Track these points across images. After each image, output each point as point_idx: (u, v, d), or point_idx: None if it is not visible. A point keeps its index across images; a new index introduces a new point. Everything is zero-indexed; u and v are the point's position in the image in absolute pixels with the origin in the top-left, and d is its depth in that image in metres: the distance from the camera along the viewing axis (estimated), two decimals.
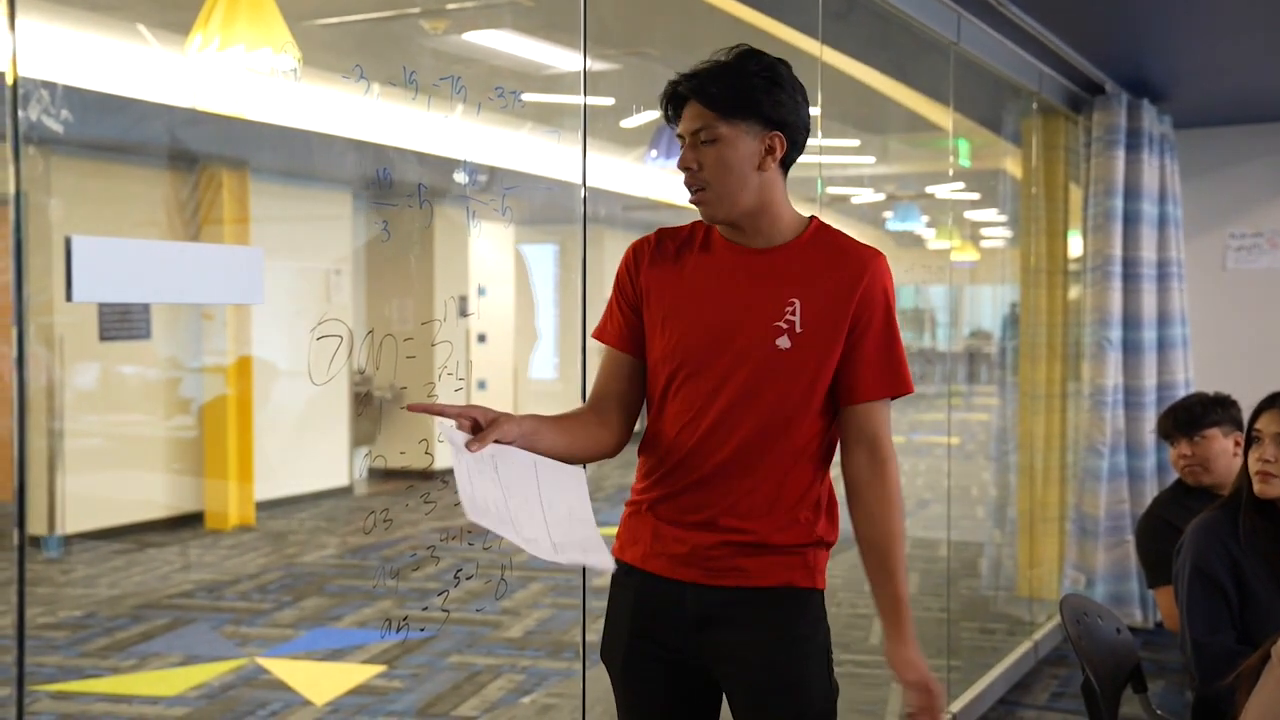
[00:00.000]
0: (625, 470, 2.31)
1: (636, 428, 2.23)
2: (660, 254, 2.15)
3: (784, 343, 2.03)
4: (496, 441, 1.93)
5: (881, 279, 2.07)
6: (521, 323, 12.32)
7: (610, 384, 2.18)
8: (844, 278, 2.05)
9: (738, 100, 2.02)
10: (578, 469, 2.09)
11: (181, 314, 8.39)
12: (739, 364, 2.04)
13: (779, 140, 2.05)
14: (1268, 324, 6.79)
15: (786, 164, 2.11)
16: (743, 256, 2.09)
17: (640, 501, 2.16)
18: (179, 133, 7.50)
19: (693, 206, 2.10)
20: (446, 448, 1.91)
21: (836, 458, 2.17)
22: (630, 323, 2.16)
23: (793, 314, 2.04)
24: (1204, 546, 2.87)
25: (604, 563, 1.98)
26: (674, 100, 2.09)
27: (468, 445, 1.89)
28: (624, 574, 2.18)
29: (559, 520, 1.98)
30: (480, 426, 1.93)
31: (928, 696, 2.05)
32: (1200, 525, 2.92)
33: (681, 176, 2.09)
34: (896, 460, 2.10)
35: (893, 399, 2.11)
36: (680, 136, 2.08)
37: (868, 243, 2.13)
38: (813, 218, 2.13)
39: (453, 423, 1.92)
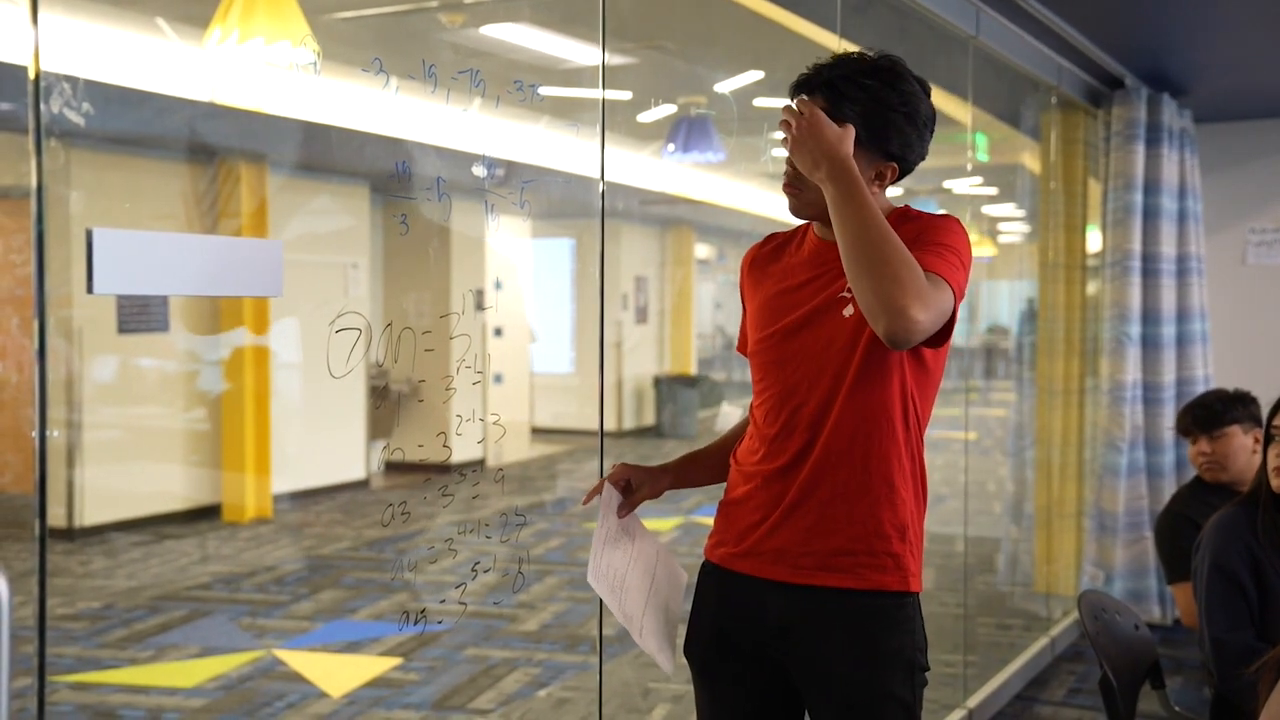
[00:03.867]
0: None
1: None
2: (762, 255, 2.18)
3: (849, 310, 1.99)
4: (649, 497, 2.18)
5: (930, 223, 1.98)
6: (538, 317, 12.33)
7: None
8: (904, 236, 1.93)
9: (868, 131, 1.98)
10: (681, 574, 2.28)
11: (200, 306, 8.43)
12: (813, 343, 2.03)
13: (892, 170, 2.03)
14: None
15: (890, 183, 2.07)
16: (827, 249, 2.06)
17: (730, 498, 2.16)
18: (198, 126, 7.53)
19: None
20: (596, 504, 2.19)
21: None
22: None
23: None
24: (1223, 543, 2.86)
25: (665, 666, 2.21)
26: (806, 90, 2.03)
27: (619, 511, 2.14)
28: (708, 571, 2.18)
29: (655, 609, 2.20)
30: (631, 488, 2.18)
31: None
32: (1219, 522, 2.91)
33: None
34: (923, 289, 1.82)
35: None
36: (784, 123, 2.02)
37: None
38: (904, 206, 2.08)
39: (611, 488, 2.14)
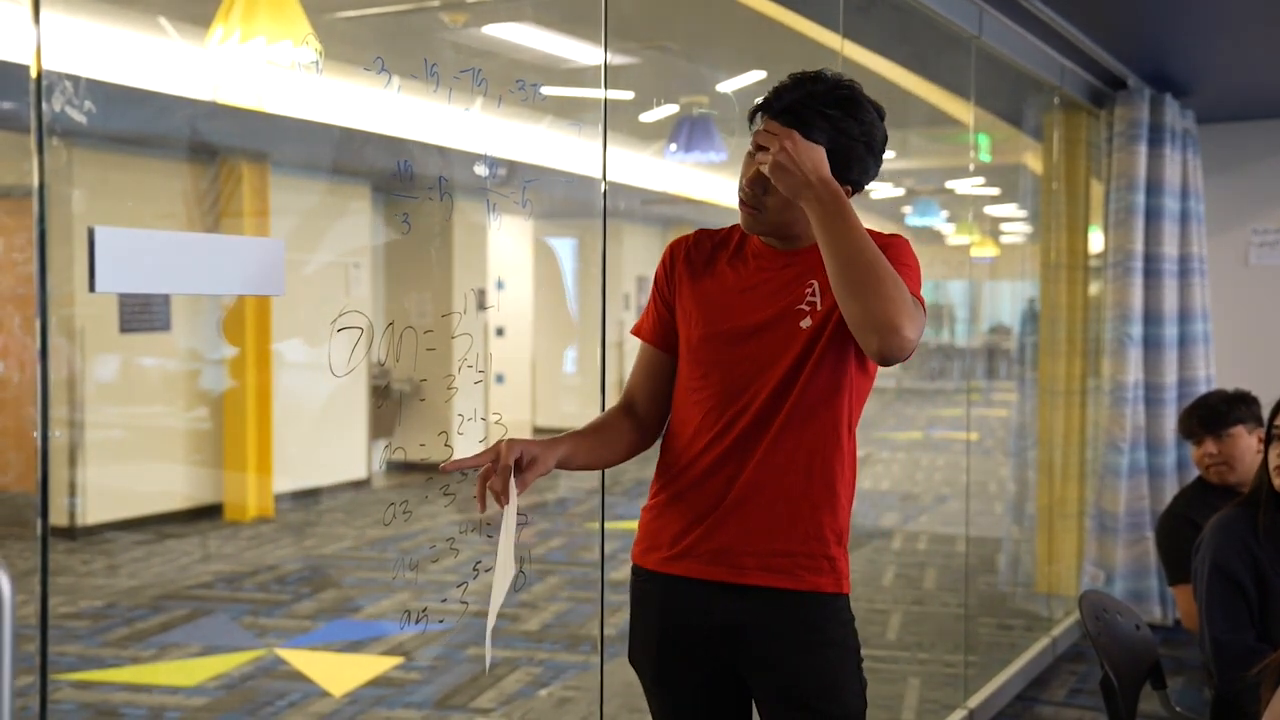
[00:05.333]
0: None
1: None
2: (696, 253, 2.18)
3: (806, 323, 2.03)
4: (541, 474, 2.03)
5: (893, 242, 2.02)
6: (540, 316, 12.33)
7: (643, 380, 2.23)
8: None
9: (830, 161, 1.98)
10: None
11: (201, 306, 8.43)
12: (765, 351, 2.04)
13: (847, 192, 2.05)
14: None
15: None
16: (773, 257, 2.10)
17: (659, 501, 2.15)
18: (200, 125, 7.53)
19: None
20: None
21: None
22: (664, 319, 2.19)
23: (813, 295, 2.04)
24: (1223, 544, 2.86)
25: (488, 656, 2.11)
26: (770, 114, 2.04)
27: (517, 484, 1.98)
28: (645, 580, 2.18)
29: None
30: (521, 465, 2.02)
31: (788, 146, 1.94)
32: (1220, 523, 2.91)
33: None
34: (910, 308, 1.88)
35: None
36: (758, 146, 2.03)
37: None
38: None
39: (513, 498, 1.99)
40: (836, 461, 2.07)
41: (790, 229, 2.07)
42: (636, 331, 2.24)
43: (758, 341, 2.06)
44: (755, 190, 2.05)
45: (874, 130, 2.05)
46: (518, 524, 2.04)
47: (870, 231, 2.04)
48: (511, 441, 2.01)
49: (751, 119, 2.08)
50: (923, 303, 1.98)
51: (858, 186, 2.08)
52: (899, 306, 1.84)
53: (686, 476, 2.11)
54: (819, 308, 2.03)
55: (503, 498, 1.98)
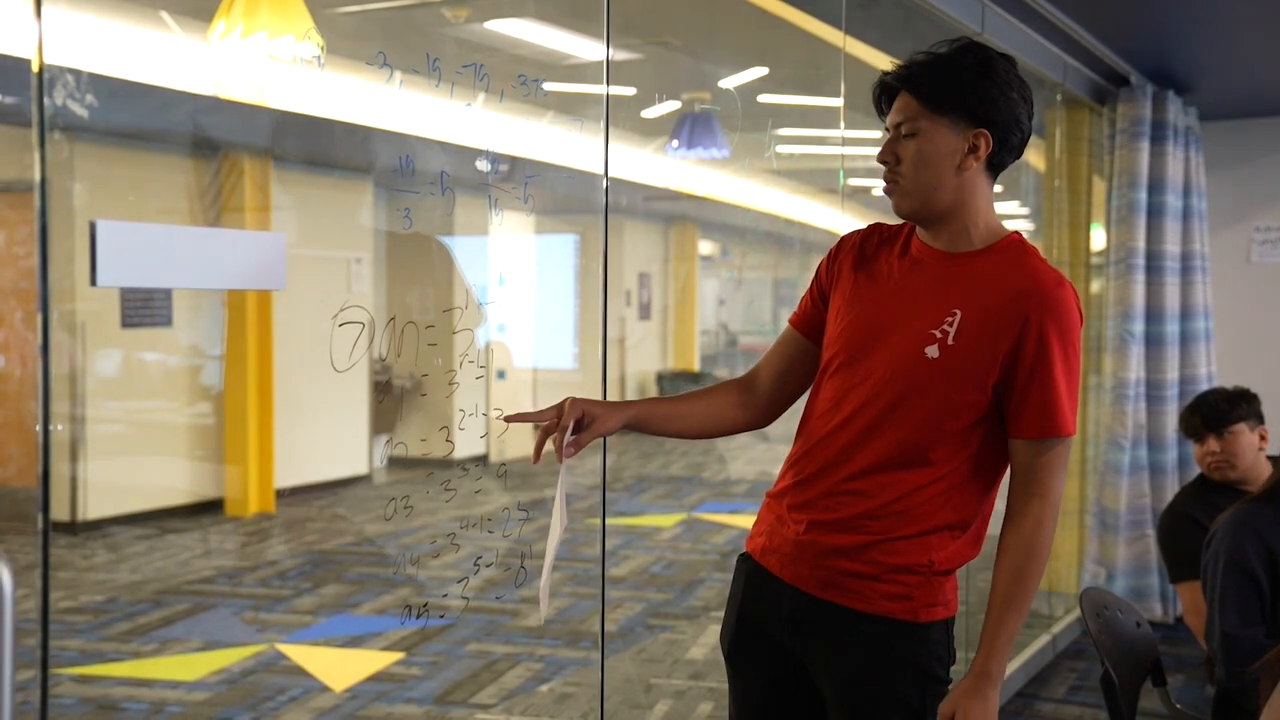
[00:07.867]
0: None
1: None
2: (862, 246, 2.13)
3: (933, 352, 1.95)
4: (600, 434, 2.02)
5: (1053, 309, 1.94)
6: (540, 312, 12.33)
7: (773, 357, 2.21)
8: (1012, 299, 1.94)
9: (941, 92, 1.93)
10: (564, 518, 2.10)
11: (203, 301, 8.43)
12: (885, 364, 1.99)
13: (984, 139, 1.95)
14: None
15: (995, 166, 2.01)
16: (925, 259, 2.03)
17: (775, 491, 2.15)
18: (201, 120, 7.53)
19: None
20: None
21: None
22: (816, 306, 2.16)
23: (950, 325, 1.96)
24: (1240, 539, 2.85)
25: (543, 609, 2.16)
26: (885, 91, 2.02)
27: (566, 449, 1.98)
28: (742, 560, 2.20)
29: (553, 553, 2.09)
30: (582, 425, 2.02)
31: None
32: (1237, 517, 2.90)
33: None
34: (1054, 502, 1.99)
35: (1043, 439, 1.98)
36: (886, 130, 2.01)
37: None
38: (1014, 233, 2.04)
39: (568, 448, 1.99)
40: (929, 494, 1.99)
41: (936, 200, 1.98)
42: (793, 320, 2.21)
43: (880, 357, 2.00)
44: (888, 160, 1.99)
45: (990, 60, 1.97)
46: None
47: (1039, 271, 1.99)
48: (575, 401, 2.02)
49: (879, 97, 2.03)
50: (1071, 419, 1.99)
51: (994, 126, 1.96)
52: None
53: (793, 473, 2.10)
54: (949, 343, 1.95)
55: (560, 454, 1.99)
